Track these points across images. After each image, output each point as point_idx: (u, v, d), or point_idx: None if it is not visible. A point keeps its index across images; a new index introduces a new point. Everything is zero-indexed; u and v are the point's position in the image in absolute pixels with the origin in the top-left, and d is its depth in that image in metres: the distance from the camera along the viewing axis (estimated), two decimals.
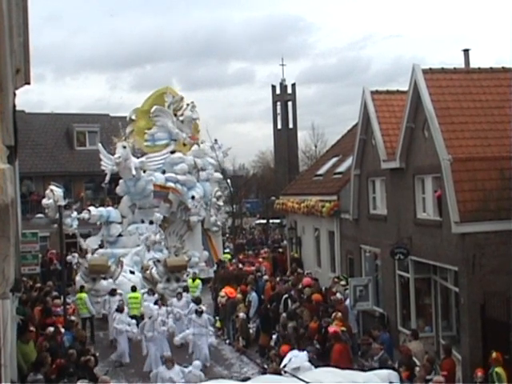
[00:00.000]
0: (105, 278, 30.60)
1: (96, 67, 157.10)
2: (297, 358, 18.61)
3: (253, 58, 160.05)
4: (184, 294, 29.13)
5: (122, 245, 36.61)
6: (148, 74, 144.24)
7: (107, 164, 38.07)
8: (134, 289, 30.19)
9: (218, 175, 40.76)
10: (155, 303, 26.45)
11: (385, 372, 12.72)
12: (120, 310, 26.62)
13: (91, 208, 37.90)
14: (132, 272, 33.20)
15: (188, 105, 41.36)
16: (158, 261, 31.92)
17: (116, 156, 35.69)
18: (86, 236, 39.36)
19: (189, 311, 26.28)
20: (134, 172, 36.53)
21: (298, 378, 9.09)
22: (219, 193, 40.62)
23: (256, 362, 25.16)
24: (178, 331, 25.79)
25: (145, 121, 40.46)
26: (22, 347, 18.05)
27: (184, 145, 39.89)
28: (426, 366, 17.77)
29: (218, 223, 41.21)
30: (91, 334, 28.71)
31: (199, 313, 25.30)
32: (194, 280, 33.00)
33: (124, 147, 36.10)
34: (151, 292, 29.62)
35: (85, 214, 36.91)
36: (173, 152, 39.18)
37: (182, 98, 41.47)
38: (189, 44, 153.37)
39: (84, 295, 29.14)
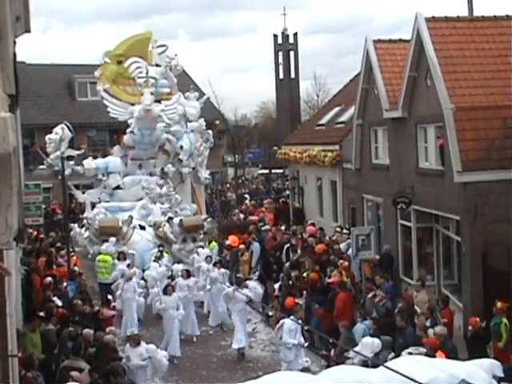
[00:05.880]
0: (116, 241, 28.69)
1: (105, 18, 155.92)
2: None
3: (260, 8, 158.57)
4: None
5: (119, 198, 34.42)
6: (156, 24, 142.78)
7: (119, 112, 36.51)
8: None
9: (202, 126, 39.58)
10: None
11: (487, 362, 12.02)
12: (128, 278, 23.84)
13: (85, 161, 35.59)
14: (142, 227, 31.13)
15: (176, 55, 39.84)
16: (171, 218, 30.59)
17: (147, 103, 33.58)
18: (88, 187, 38.24)
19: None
20: (167, 120, 34.73)
21: (391, 369, 8.49)
22: (205, 144, 39.27)
23: (259, 310, 25.33)
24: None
25: (115, 65, 38.14)
26: (32, 336, 17.23)
27: (170, 94, 38.39)
28: (425, 314, 17.90)
29: (205, 175, 39.91)
30: (107, 301, 25.61)
31: (218, 266, 24.65)
32: (209, 242, 30.72)
33: (152, 94, 34.30)
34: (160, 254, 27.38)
35: (79, 168, 34.91)
36: (159, 101, 37.34)
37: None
38: None
39: (109, 258, 26.93)
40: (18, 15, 8.34)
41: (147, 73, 34.56)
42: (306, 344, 19.01)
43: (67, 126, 34.29)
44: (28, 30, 9.17)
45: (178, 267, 25.78)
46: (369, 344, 15.88)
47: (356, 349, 15.82)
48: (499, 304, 16.74)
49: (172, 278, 25.12)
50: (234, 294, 21.21)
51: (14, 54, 8.63)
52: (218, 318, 23.76)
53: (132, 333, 18.76)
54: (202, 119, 38.86)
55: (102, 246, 28.39)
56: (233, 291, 21.37)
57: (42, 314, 18.05)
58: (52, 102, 52.76)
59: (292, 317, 18.63)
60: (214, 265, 24.76)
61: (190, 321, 22.75)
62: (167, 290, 21.59)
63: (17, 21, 8.33)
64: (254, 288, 22.12)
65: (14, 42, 8.89)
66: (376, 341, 16.02)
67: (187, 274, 23.66)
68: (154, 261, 25.96)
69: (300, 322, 18.91)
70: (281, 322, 18.83)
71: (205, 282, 24.66)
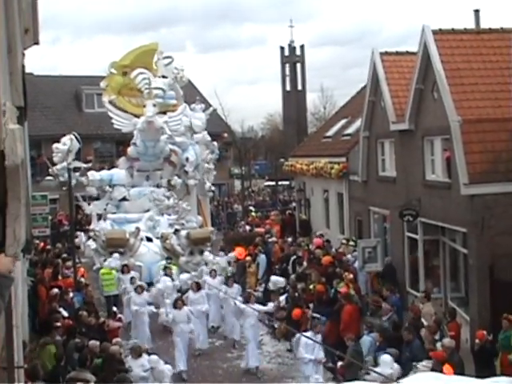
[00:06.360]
0: (123, 253, 28.37)
1: (113, 30, 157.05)
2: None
3: (267, 21, 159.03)
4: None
5: (125, 210, 34.18)
6: (163, 36, 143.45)
7: (123, 123, 36.28)
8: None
9: (207, 137, 39.45)
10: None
11: (506, 380, 12.00)
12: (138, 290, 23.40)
13: (89, 173, 35.36)
14: (149, 239, 30.81)
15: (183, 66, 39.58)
16: (177, 230, 30.25)
17: (149, 114, 33.09)
18: (94, 199, 38.06)
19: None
20: (169, 132, 34.37)
21: None
22: (210, 156, 39.14)
23: (265, 322, 25.25)
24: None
25: (121, 76, 37.67)
26: (50, 348, 16.54)
27: (175, 105, 38.20)
28: (432, 327, 17.86)
29: (209, 186, 39.67)
30: (113, 312, 25.55)
31: (213, 275, 24.66)
32: None
33: (154, 105, 33.76)
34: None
35: (84, 179, 34.63)
36: (164, 113, 37.08)
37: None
38: (205, 6, 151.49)
39: (114, 272, 26.47)
40: (27, 27, 8.38)
41: (150, 84, 34.39)
42: (324, 360, 18.60)
43: (75, 137, 34.25)
44: (37, 42, 9.21)
45: (184, 278, 25.75)
46: (388, 362, 15.80)
47: (377, 369, 15.69)
48: (511, 317, 16.68)
49: (181, 291, 25.01)
50: (239, 307, 21.15)
51: (23, 66, 8.67)
52: (228, 332, 23.62)
53: (137, 344, 18.77)
54: (205, 131, 38.71)
55: (106, 261, 28.10)
56: (234, 303, 21.37)
57: (58, 324, 18.03)
58: (59, 114, 52.88)
59: (311, 332, 18.30)
60: (227, 280, 24.61)
61: (200, 335, 22.47)
62: (177, 304, 21.28)
63: (26, 33, 8.37)
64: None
65: (23, 54, 8.93)
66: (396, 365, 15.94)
67: (197, 287, 23.46)
68: (165, 274, 25.54)
69: (318, 336, 18.53)
70: (297, 335, 18.61)
71: (216, 295, 24.22)
